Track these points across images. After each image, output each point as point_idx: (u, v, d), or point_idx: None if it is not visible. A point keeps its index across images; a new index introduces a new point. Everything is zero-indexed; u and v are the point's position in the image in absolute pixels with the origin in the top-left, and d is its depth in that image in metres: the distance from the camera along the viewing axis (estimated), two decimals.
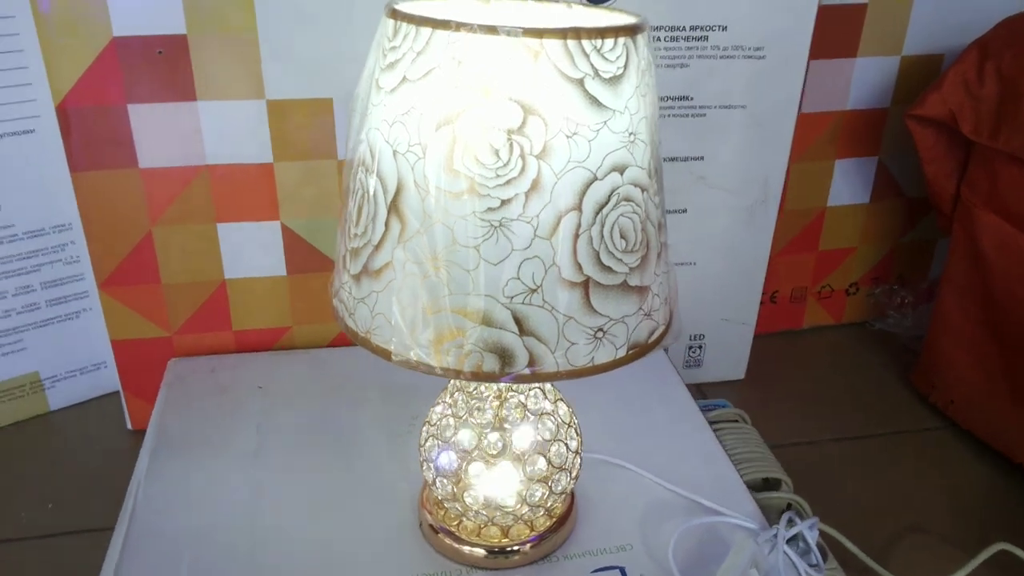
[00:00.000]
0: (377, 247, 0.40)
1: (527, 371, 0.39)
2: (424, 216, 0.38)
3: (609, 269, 0.39)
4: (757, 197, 0.69)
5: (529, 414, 0.48)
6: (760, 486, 0.62)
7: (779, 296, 0.84)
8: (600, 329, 0.39)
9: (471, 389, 0.48)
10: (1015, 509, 0.64)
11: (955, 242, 0.70)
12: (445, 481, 0.48)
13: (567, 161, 0.37)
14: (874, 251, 0.85)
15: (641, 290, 0.41)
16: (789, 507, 0.61)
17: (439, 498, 0.50)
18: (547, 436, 0.48)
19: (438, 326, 0.38)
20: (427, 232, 0.38)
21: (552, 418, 0.48)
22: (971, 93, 0.63)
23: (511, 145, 0.36)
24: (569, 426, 0.49)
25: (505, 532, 0.50)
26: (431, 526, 0.51)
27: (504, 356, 0.38)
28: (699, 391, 0.77)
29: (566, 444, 0.49)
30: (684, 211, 0.69)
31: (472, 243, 0.37)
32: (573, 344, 0.39)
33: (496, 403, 0.47)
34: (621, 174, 0.38)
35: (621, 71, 0.37)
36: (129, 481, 0.55)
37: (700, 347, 0.76)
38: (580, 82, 0.36)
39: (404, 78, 0.38)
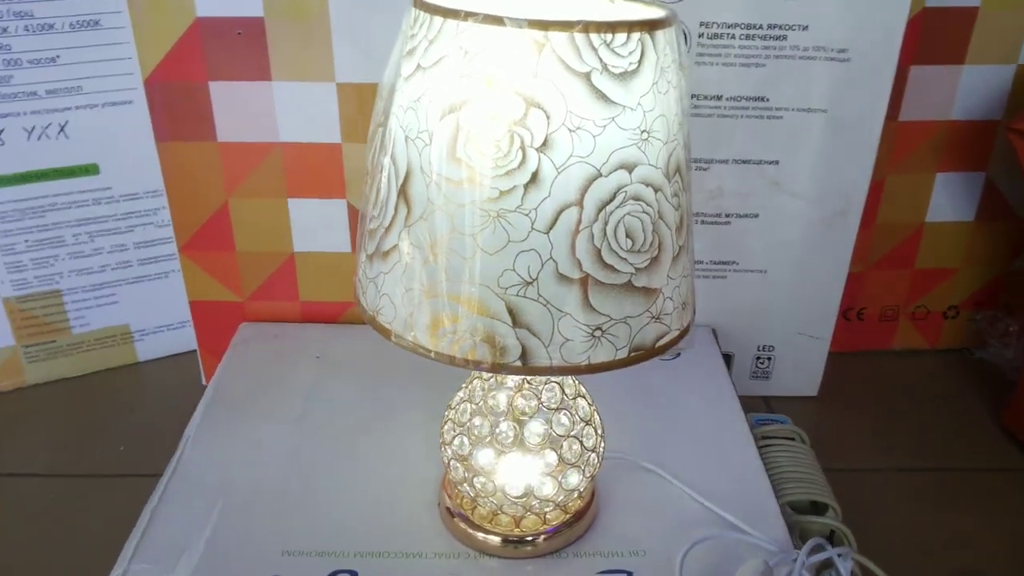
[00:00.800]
0: (387, 229, 0.40)
1: (519, 363, 0.39)
2: (427, 202, 0.38)
3: (611, 268, 0.38)
4: (836, 208, 0.65)
5: (543, 407, 0.47)
6: (807, 508, 0.59)
7: (867, 314, 0.79)
8: (599, 328, 0.39)
9: (487, 377, 0.48)
10: None
11: None
12: (457, 464, 0.49)
13: (569, 156, 0.36)
14: (978, 274, 0.78)
15: (649, 292, 0.40)
16: (832, 534, 0.58)
17: (453, 480, 0.50)
18: (560, 431, 0.47)
19: (434, 311, 0.39)
20: (429, 218, 0.38)
21: (568, 413, 0.48)
22: None
23: (511, 136, 0.36)
24: (587, 423, 0.49)
25: (517, 522, 0.50)
26: (448, 509, 0.52)
27: (496, 346, 0.38)
28: (766, 404, 0.74)
29: (580, 441, 0.48)
30: (756, 216, 0.66)
31: (470, 232, 0.37)
32: (568, 340, 0.38)
33: (512, 393, 0.47)
34: (630, 172, 0.37)
35: (635, 66, 0.36)
36: None
37: (769, 359, 0.73)
38: (587, 76, 0.36)
39: (418, 66, 0.38)
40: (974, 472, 0.67)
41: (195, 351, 0.76)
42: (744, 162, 0.64)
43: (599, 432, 0.50)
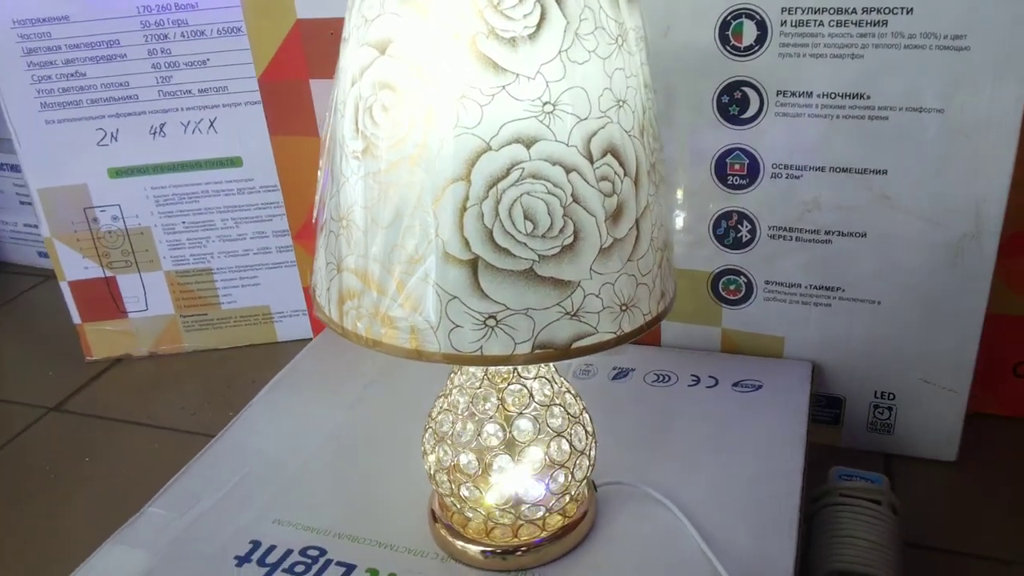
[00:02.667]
0: (323, 202, 0.41)
1: (408, 345, 0.37)
2: (340, 175, 0.38)
3: (506, 251, 0.35)
4: (966, 230, 0.54)
5: (535, 404, 0.44)
6: None
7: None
8: (492, 316, 0.36)
9: (466, 377, 0.46)
10: None
11: None
12: (442, 473, 0.46)
13: (454, 126, 0.34)
14: None
15: (560, 283, 0.36)
16: None
17: (439, 492, 0.48)
18: (552, 429, 0.44)
19: (340, 285, 0.38)
20: (342, 191, 0.38)
21: (558, 408, 0.44)
22: None
23: (399, 105, 0.35)
24: (576, 421, 0.45)
25: (486, 532, 0.47)
26: (432, 511, 0.50)
27: (390, 325, 0.37)
28: (886, 462, 0.63)
29: (570, 441, 0.44)
30: (863, 235, 0.56)
31: (365, 204, 0.36)
32: (457, 326, 0.36)
33: (497, 391, 0.45)
34: (528, 147, 0.34)
35: (531, 30, 0.33)
36: None
37: (890, 408, 0.61)
38: (471, 40, 0.33)
39: (343, 39, 0.38)
40: None
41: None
42: (844, 170, 0.55)
43: (591, 435, 0.46)
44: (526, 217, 0.35)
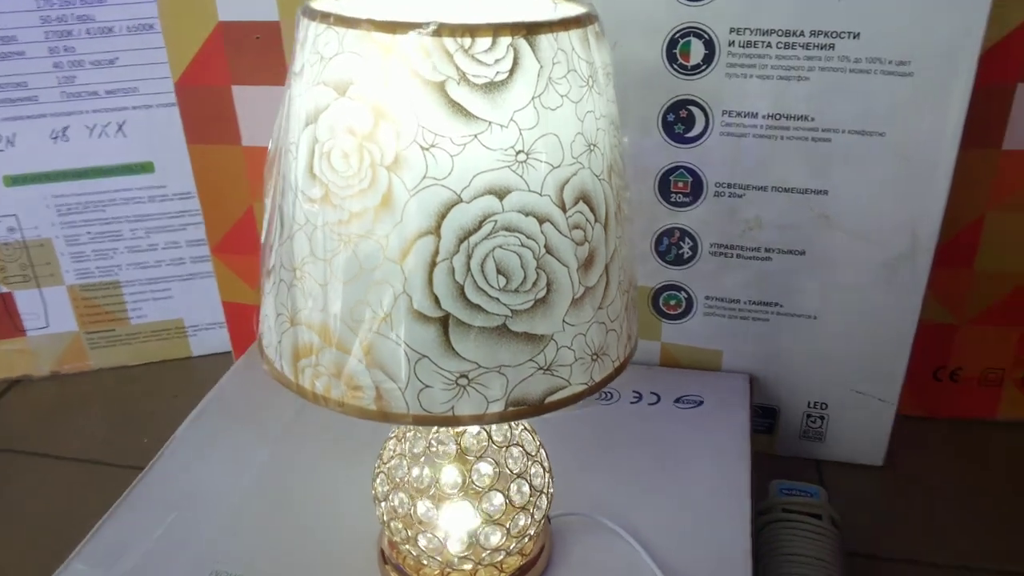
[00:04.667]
0: (270, 248, 0.38)
1: (373, 407, 0.35)
2: (291, 221, 0.35)
3: (478, 308, 0.33)
4: (902, 250, 0.55)
5: (493, 445, 0.42)
6: None
7: (963, 375, 0.67)
8: (464, 375, 0.34)
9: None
10: None
11: None
12: (397, 522, 0.44)
13: (422, 177, 0.32)
14: None
15: (533, 338, 0.34)
16: None
17: (395, 540, 0.46)
18: (513, 469, 0.42)
19: (295, 339, 0.36)
20: (292, 238, 0.35)
21: (519, 448, 0.43)
22: None
23: (361, 152, 0.32)
24: (534, 459, 0.44)
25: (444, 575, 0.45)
26: (381, 551, 0.48)
27: (352, 385, 0.35)
28: (818, 469, 0.64)
29: (528, 481, 0.43)
30: (802, 253, 0.57)
31: (323, 256, 0.34)
32: (427, 387, 0.34)
33: (450, 436, 0.43)
34: (500, 199, 0.32)
35: (504, 76, 0.31)
36: None
37: (822, 418, 0.63)
38: (440, 86, 0.31)
39: (292, 72, 0.35)
40: None
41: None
42: (787, 190, 0.55)
43: (548, 471, 0.44)
44: (499, 271, 0.33)
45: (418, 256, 0.32)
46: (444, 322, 0.33)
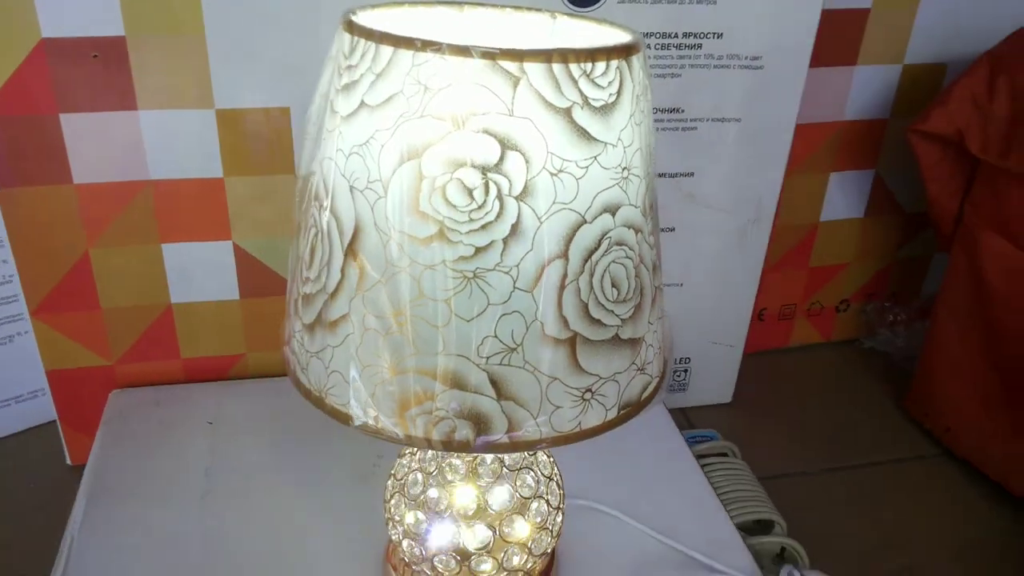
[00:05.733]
0: (333, 295, 0.34)
1: (505, 439, 0.34)
2: (386, 264, 0.33)
3: (599, 323, 0.34)
4: (750, 216, 0.64)
5: (506, 470, 0.43)
6: (752, 528, 0.58)
7: (767, 314, 0.79)
8: (588, 390, 0.35)
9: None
10: (1016, 547, 0.61)
11: (954, 263, 0.66)
12: (413, 543, 0.43)
13: (552, 203, 0.32)
14: (867, 267, 0.81)
15: (634, 343, 0.36)
16: (783, 551, 0.57)
17: (406, 561, 0.45)
18: (526, 493, 0.43)
19: (403, 389, 0.33)
20: (389, 282, 0.33)
21: (532, 472, 0.44)
22: (980, 109, 0.59)
23: (487, 185, 0.31)
24: (550, 479, 0.45)
25: None
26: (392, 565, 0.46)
27: (480, 423, 0.33)
28: (684, 416, 0.73)
29: (547, 501, 0.44)
30: (672, 230, 0.64)
31: (442, 296, 0.32)
32: (558, 408, 0.34)
33: (469, 458, 0.42)
34: (613, 215, 0.33)
35: (614, 98, 0.32)
36: (65, 527, 0.49)
37: (686, 371, 0.71)
38: (567, 112, 0.31)
39: (362, 103, 0.32)
40: (893, 464, 0.69)
41: (53, 422, 0.66)
42: (660, 175, 0.62)
43: (561, 486, 0.46)
44: (613, 284, 0.34)
45: (548, 281, 0.32)
46: (572, 342, 0.34)
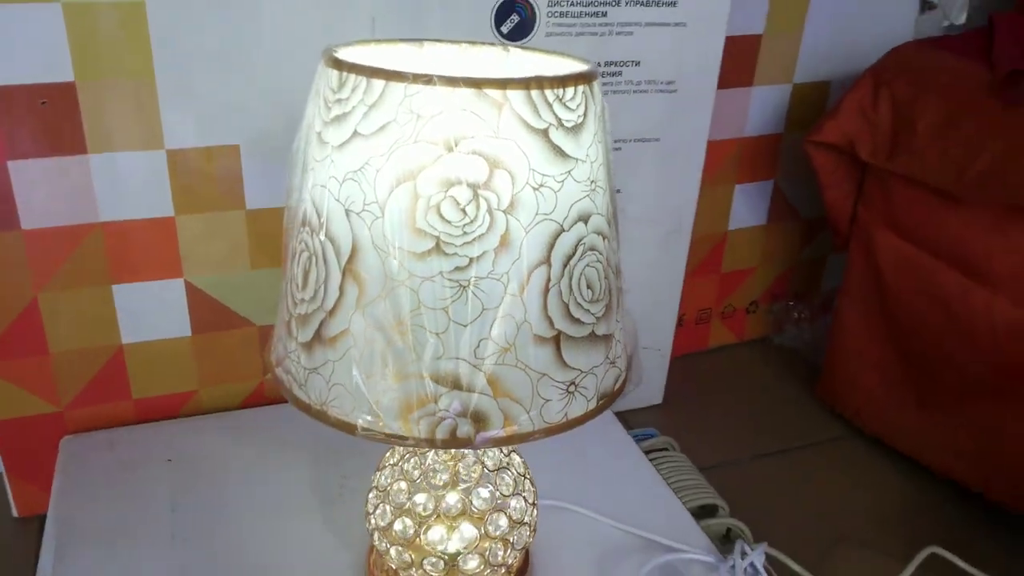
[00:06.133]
0: (331, 312, 0.37)
1: (502, 433, 0.37)
2: (385, 279, 0.35)
3: (578, 321, 0.38)
4: (672, 226, 0.70)
5: (487, 471, 0.46)
6: (698, 513, 0.62)
7: (686, 319, 0.85)
8: (572, 383, 0.38)
9: (424, 451, 0.45)
10: (929, 510, 0.68)
11: (852, 260, 0.74)
12: (402, 549, 0.45)
13: (535, 214, 0.35)
14: (772, 270, 0.88)
15: (607, 339, 0.40)
16: (728, 531, 0.62)
17: (394, 568, 0.47)
18: (506, 491, 0.46)
19: (406, 393, 0.36)
20: (390, 296, 0.35)
21: (509, 472, 0.46)
22: (867, 119, 0.67)
23: (477, 201, 0.34)
24: (525, 477, 0.48)
25: None
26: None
27: (479, 420, 0.36)
28: (622, 418, 0.77)
29: (524, 497, 0.47)
30: None
31: (440, 305, 0.35)
32: (547, 401, 0.37)
33: (451, 463, 0.45)
34: (586, 223, 0.37)
35: (582, 119, 0.36)
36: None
37: None
38: (544, 132, 0.35)
39: (355, 132, 0.35)
40: (812, 447, 0.75)
41: None
42: None
43: (534, 484, 0.49)
44: (587, 286, 0.38)
45: (534, 286, 0.36)
46: (557, 340, 0.37)
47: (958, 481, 0.68)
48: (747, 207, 0.82)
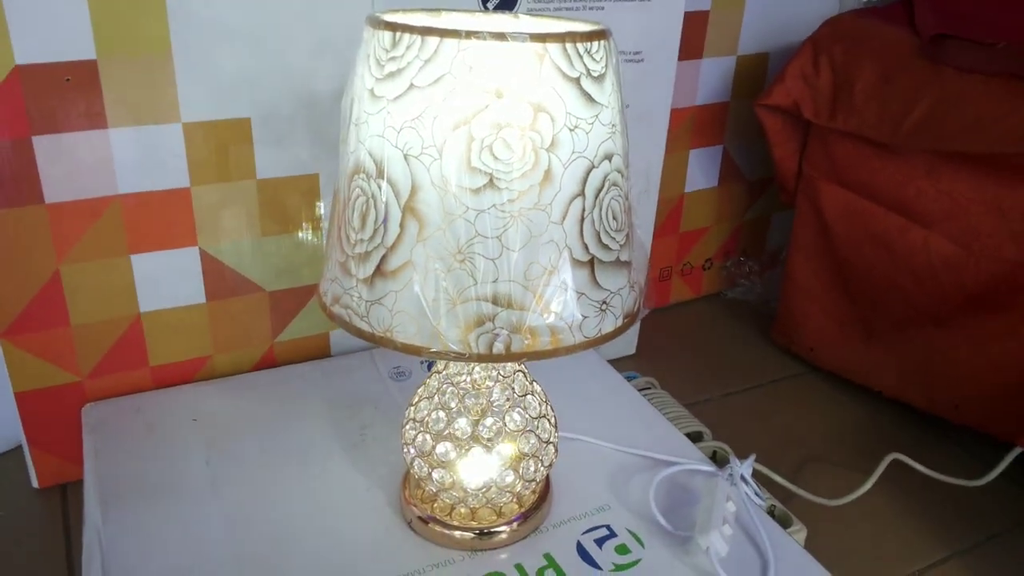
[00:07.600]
0: (392, 248, 0.41)
1: (550, 347, 0.42)
2: (444, 213, 0.40)
3: (607, 247, 0.43)
4: (641, 187, 0.76)
5: (517, 396, 0.51)
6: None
7: (650, 277, 0.92)
8: (604, 302, 0.44)
9: (458, 380, 0.50)
10: (884, 429, 0.76)
11: (801, 212, 0.81)
12: (444, 472, 0.50)
13: (571, 152, 0.41)
14: (723, 229, 0.95)
15: (628, 265, 0.46)
16: (715, 453, 0.68)
17: (434, 491, 0.51)
18: (533, 414, 0.51)
19: (466, 315, 0.41)
20: (449, 227, 0.40)
21: (534, 397, 0.52)
22: (809, 83, 0.74)
23: (524, 140, 0.39)
24: (546, 403, 0.53)
25: (498, 511, 0.52)
26: (420, 518, 0.52)
27: (532, 334, 0.42)
28: None
29: (548, 419, 0.52)
30: None
31: (494, 233, 0.40)
32: (586, 318, 0.43)
33: (485, 391, 0.50)
34: (610, 161, 0.43)
35: (604, 70, 0.42)
36: (69, 539, 0.51)
37: None
38: (577, 81, 0.40)
39: (411, 85, 0.40)
40: (771, 384, 0.83)
41: (7, 453, 0.66)
42: None
43: (553, 409, 0.54)
44: (613, 217, 0.43)
45: (572, 216, 0.41)
46: (591, 264, 0.42)
47: (906, 401, 0.77)
48: (700, 171, 0.89)
